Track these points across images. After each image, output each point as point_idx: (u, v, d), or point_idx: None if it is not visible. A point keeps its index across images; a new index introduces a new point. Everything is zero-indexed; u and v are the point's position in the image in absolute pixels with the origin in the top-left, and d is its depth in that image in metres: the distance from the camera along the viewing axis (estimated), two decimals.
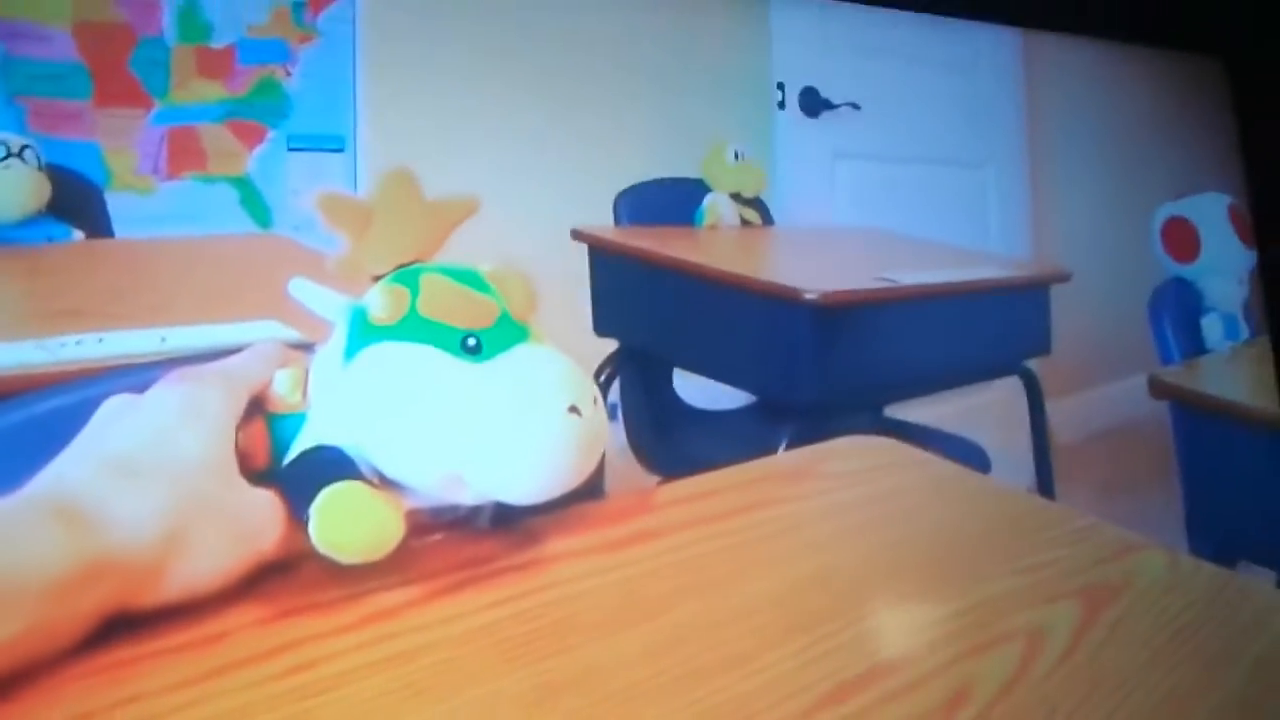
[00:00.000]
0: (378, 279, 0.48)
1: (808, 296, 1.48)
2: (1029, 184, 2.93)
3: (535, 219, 1.83)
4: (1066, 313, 2.01)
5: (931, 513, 0.62)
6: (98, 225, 1.56)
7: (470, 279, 0.48)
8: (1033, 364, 1.97)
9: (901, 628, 0.48)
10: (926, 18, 2.42)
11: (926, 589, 0.52)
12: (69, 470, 0.42)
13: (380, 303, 0.46)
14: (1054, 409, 2.09)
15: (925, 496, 0.65)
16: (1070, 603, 0.51)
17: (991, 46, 2.81)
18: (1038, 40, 2.82)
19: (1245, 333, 2.00)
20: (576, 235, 1.84)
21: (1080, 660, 0.46)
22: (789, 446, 1.24)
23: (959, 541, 0.58)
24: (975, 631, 0.48)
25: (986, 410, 2.16)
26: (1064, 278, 2.01)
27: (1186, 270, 2.03)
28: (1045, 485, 1.98)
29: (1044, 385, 1.98)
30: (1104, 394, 2.80)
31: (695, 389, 1.93)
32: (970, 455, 1.72)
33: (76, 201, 1.53)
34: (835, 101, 2.48)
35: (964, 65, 2.80)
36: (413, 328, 0.46)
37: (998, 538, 0.59)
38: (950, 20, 2.52)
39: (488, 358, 0.46)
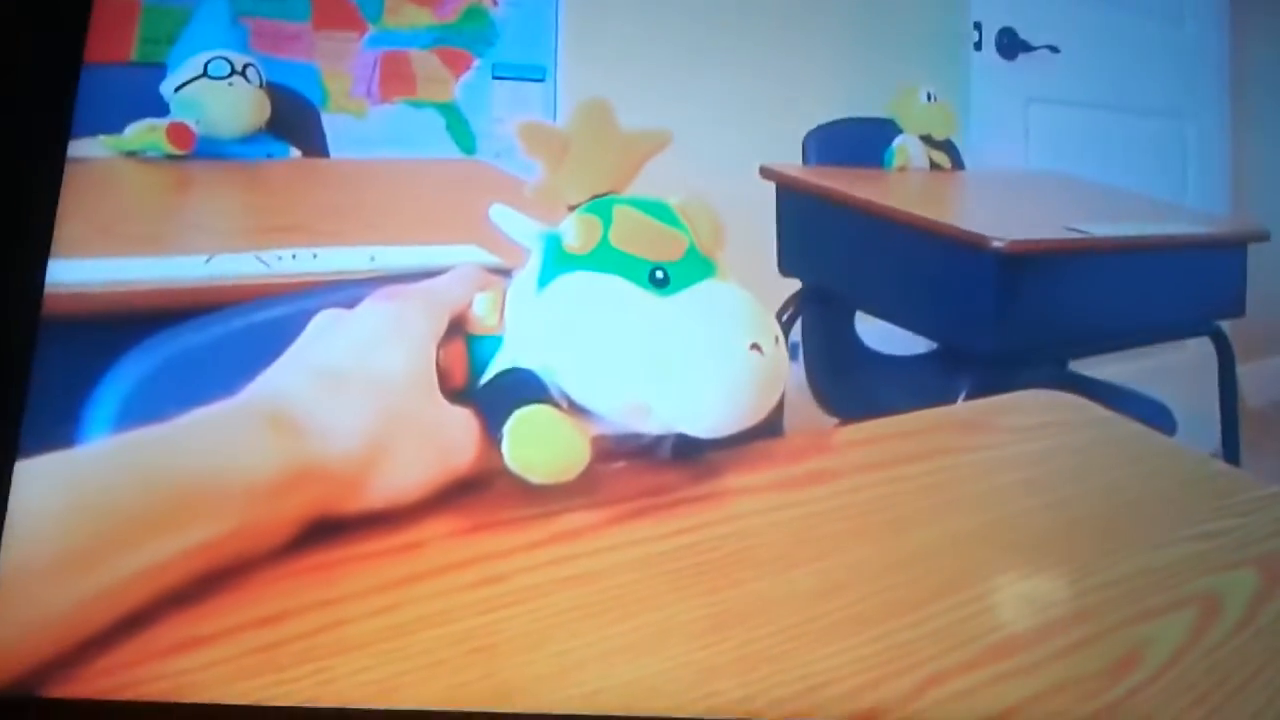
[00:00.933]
0: (573, 208, 0.48)
1: (994, 244, 1.43)
2: (1230, 138, 2.76)
3: (725, 155, 1.82)
4: (1263, 274, 1.90)
5: (1109, 472, 0.60)
6: (314, 144, 1.61)
7: (660, 212, 0.48)
8: (1225, 325, 1.86)
9: (1070, 587, 0.47)
10: None
11: (1099, 549, 0.50)
12: (281, 379, 0.44)
13: (574, 232, 0.46)
14: (1245, 372, 1.97)
15: (1103, 455, 0.62)
16: (1248, 571, 0.49)
17: None
18: None
19: None
20: (765, 173, 1.82)
21: (1256, 630, 0.44)
22: (968, 397, 1.21)
23: (1136, 503, 0.56)
24: (1147, 595, 0.46)
25: (1175, 370, 2.06)
26: (1263, 236, 1.89)
27: None
28: (1231, 450, 1.88)
29: (1236, 347, 1.88)
30: None
31: (877, 333, 1.90)
32: (1156, 415, 1.65)
33: (295, 121, 1.58)
34: (1033, 44, 2.37)
35: (1169, 11, 2.63)
36: (604, 258, 0.46)
37: (1176, 501, 0.57)
38: None
39: (675, 291, 0.46)
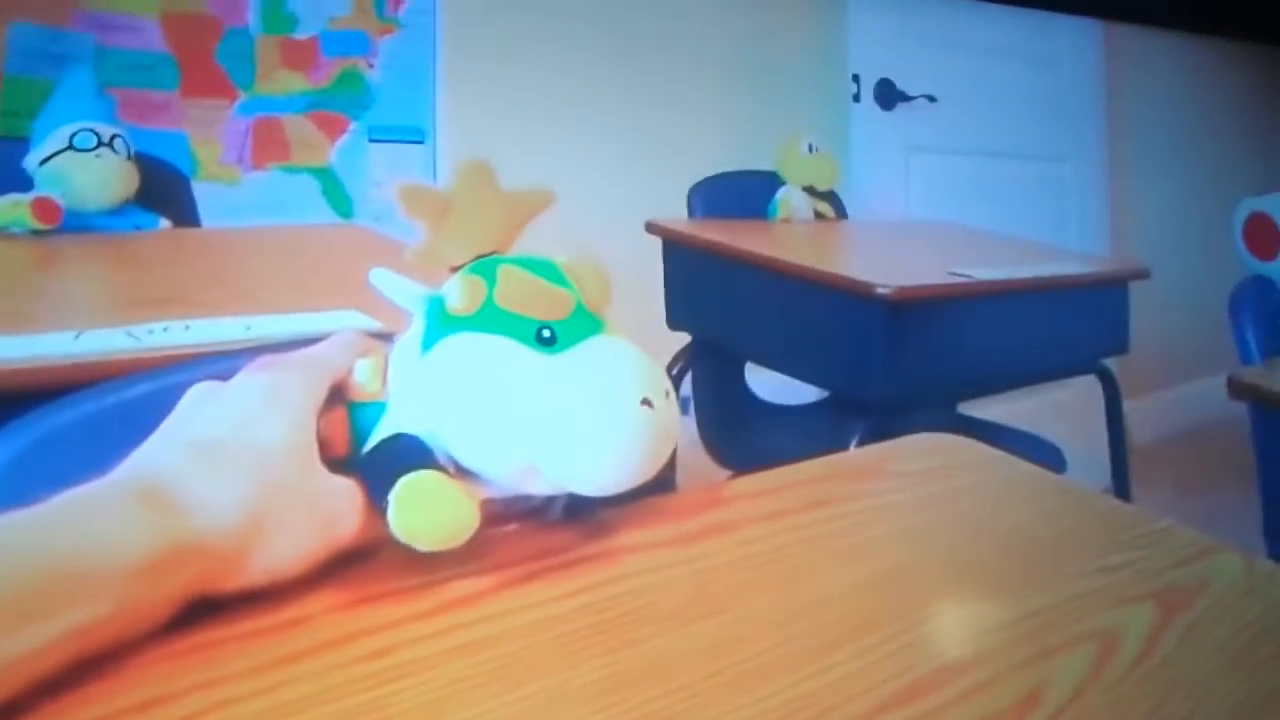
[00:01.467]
0: (456, 269, 0.49)
1: (880, 291, 1.47)
2: (1108, 179, 2.87)
3: (610, 211, 1.84)
4: (1145, 311, 1.98)
5: (1003, 512, 0.61)
6: (184, 214, 1.59)
7: (546, 270, 0.48)
8: (1110, 362, 1.93)
9: (970, 628, 0.48)
10: (1005, 10, 2.39)
11: (997, 589, 0.51)
12: (155, 455, 0.43)
13: (458, 293, 0.46)
14: (1131, 408, 2.05)
15: (997, 496, 0.64)
16: (1145, 605, 0.50)
17: (1072, 39, 2.76)
18: (1120, 33, 2.76)
19: None
20: (650, 228, 1.84)
21: (1155, 664, 0.45)
22: (860, 443, 1.23)
23: (1031, 542, 0.57)
24: (1047, 633, 0.47)
25: (1062, 409, 2.13)
26: (1143, 274, 1.96)
27: (1268, 268, 1.97)
28: (1121, 486, 1.94)
29: (1121, 384, 1.95)
30: (1182, 394, 2.74)
31: (767, 383, 1.92)
32: (1045, 454, 1.69)
33: (164, 190, 1.56)
34: (911, 94, 2.45)
35: (1043, 59, 2.75)
36: (489, 318, 0.46)
37: (1071, 539, 0.58)
38: (1030, 12, 2.48)
39: (563, 349, 0.46)
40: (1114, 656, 0.45)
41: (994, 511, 0.61)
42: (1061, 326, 1.81)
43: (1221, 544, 0.58)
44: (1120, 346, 1.91)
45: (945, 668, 0.43)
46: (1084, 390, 1.99)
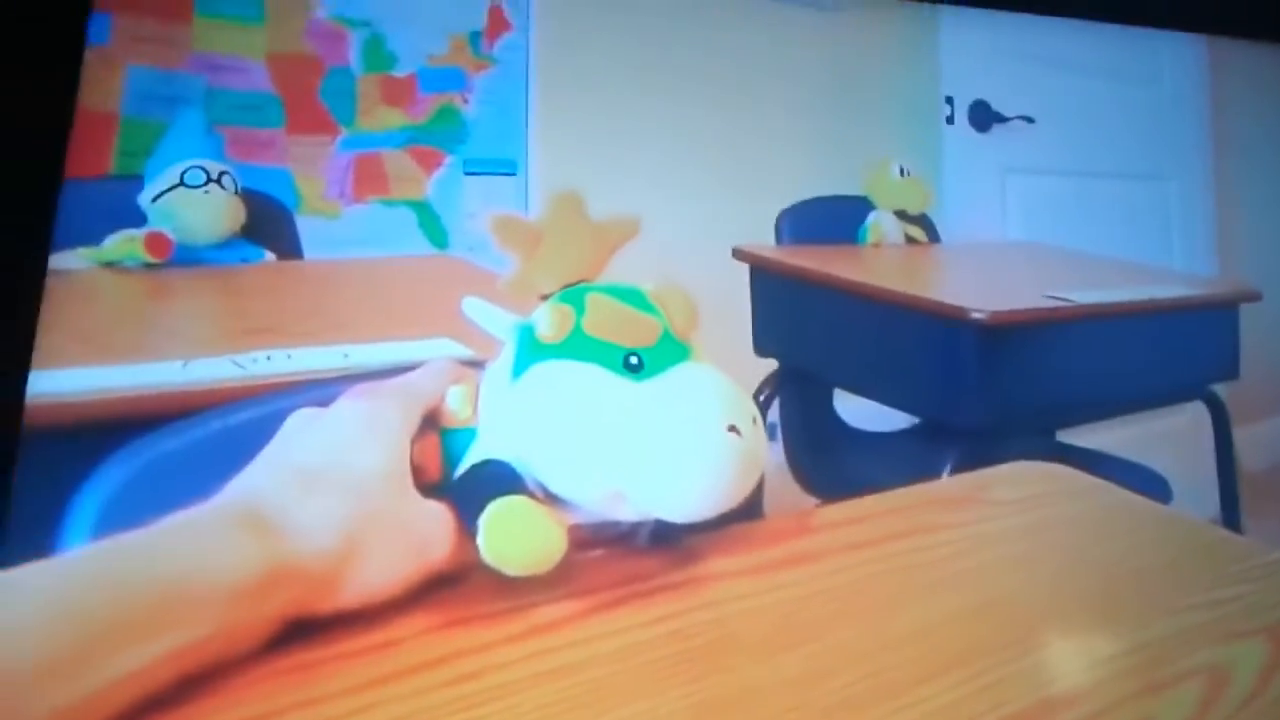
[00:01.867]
0: (545, 298, 0.49)
1: (974, 315, 1.44)
2: (1214, 198, 2.79)
3: (698, 238, 1.84)
4: (1256, 334, 1.91)
5: (1104, 543, 0.60)
6: (288, 247, 1.63)
7: (634, 298, 0.48)
8: (1219, 388, 1.87)
9: (1069, 662, 0.47)
10: (1104, 26, 2.34)
11: (1097, 622, 0.50)
12: (257, 480, 0.44)
13: (547, 321, 0.47)
14: (1241, 436, 1.98)
15: (1098, 525, 0.62)
16: (1256, 641, 0.48)
17: (1173, 55, 2.69)
18: (1224, 47, 2.69)
19: None
20: (738, 254, 1.84)
21: (1266, 702, 0.44)
22: (954, 471, 1.20)
23: (1134, 573, 0.56)
24: (1151, 668, 0.46)
25: (1168, 437, 2.06)
26: (1254, 297, 1.90)
27: None
28: (1231, 517, 1.88)
29: (1231, 411, 1.89)
30: None
31: (857, 410, 1.90)
32: (1150, 484, 1.65)
33: (269, 224, 1.60)
34: (1007, 115, 2.42)
35: (1144, 75, 2.69)
36: (578, 346, 0.46)
37: (1177, 570, 0.57)
38: (1129, 28, 2.42)
39: (650, 376, 0.46)
40: (1224, 692, 0.44)
41: (1096, 541, 0.60)
42: (1167, 351, 1.76)
43: None
44: (1230, 371, 1.85)
45: (1045, 702, 0.43)
46: (1192, 417, 1.93)
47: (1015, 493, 0.65)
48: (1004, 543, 0.58)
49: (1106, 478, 0.68)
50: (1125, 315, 1.67)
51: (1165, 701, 0.43)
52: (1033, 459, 0.70)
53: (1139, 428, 2.02)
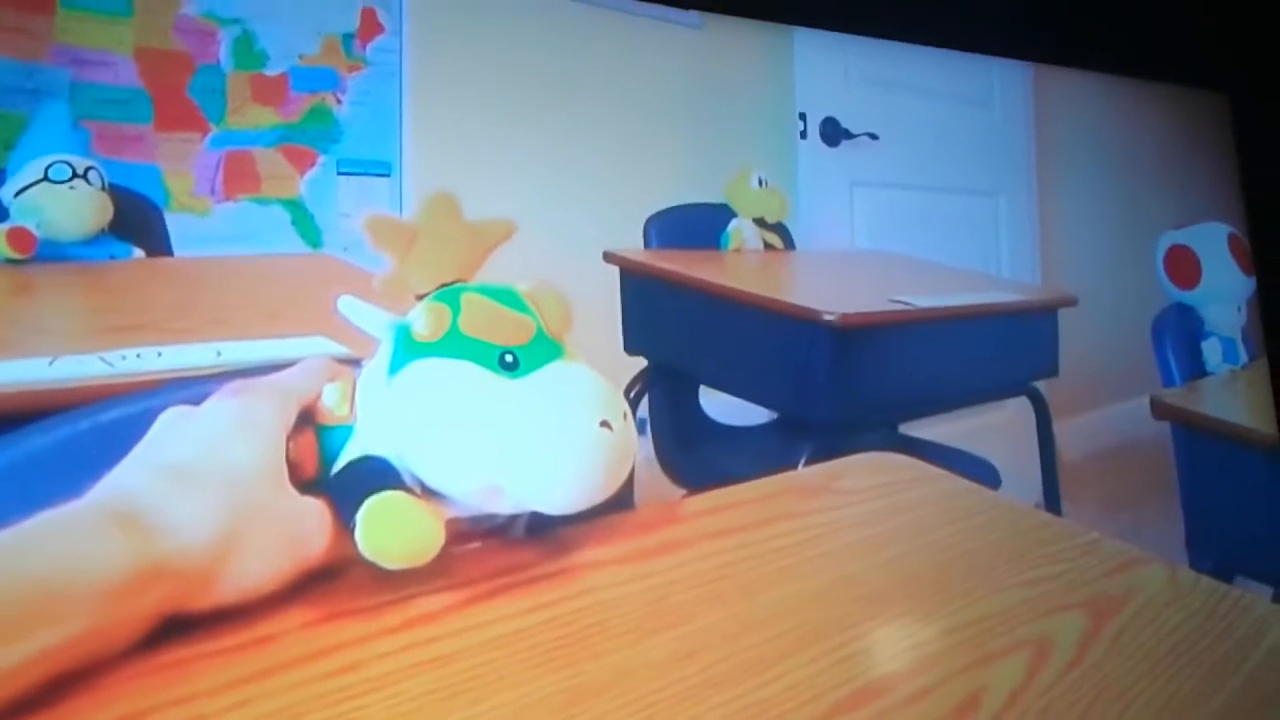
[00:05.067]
0: (421, 298, 0.48)
1: (826, 318, 1.48)
2: (1038, 212, 2.92)
3: (570, 241, 1.84)
4: (1073, 336, 2.00)
5: (942, 527, 0.62)
6: (157, 244, 1.57)
7: (508, 298, 0.48)
8: (1041, 385, 1.96)
9: (912, 637, 0.48)
10: (943, 52, 2.42)
11: (937, 600, 0.52)
12: (128, 478, 0.42)
13: (423, 320, 0.46)
14: (1061, 428, 2.07)
15: (936, 511, 0.65)
16: (1075, 614, 0.51)
17: (1004, 80, 2.80)
18: (1048, 74, 2.81)
19: (1244, 357, 1.99)
20: (608, 257, 1.84)
21: (1085, 670, 0.46)
22: (808, 462, 1.23)
23: (968, 554, 0.58)
24: (984, 641, 0.47)
25: (996, 429, 2.15)
26: (1071, 302, 1.99)
27: (1188, 296, 2.01)
28: (1052, 501, 1.96)
29: (1051, 405, 1.97)
30: (1108, 414, 2.78)
31: (721, 405, 1.93)
32: (981, 472, 1.71)
33: (137, 221, 1.54)
34: (854, 131, 2.48)
35: (977, 98, 2.79)
36: (453, 344, 0.46)
37: (1005, 551, 0.59)
38: (965, 55, 2.51)
39: (524, 374, 0.46)
40: (1047, 662, 0.46)
41: (934, 526, 0.62)
42: (996, 351, 1.83)
43: (1147, 555, 0.59)
44: (1050, 370, 1.93)
45: (889, 675, 0.44)
46: (1017, 411, 2.01)
47: (863, 482, 0.67)
48: (853, 529, 0.60)
49: (943, 466, 0.70)
50: (960, 318, 1.73)
51: (995, 672, 0.45)
52: (878, 450, 0.72)
53: (971, 421, 2.10)
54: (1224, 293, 2.00)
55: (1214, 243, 2.03)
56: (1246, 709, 0.45)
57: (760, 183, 2.10)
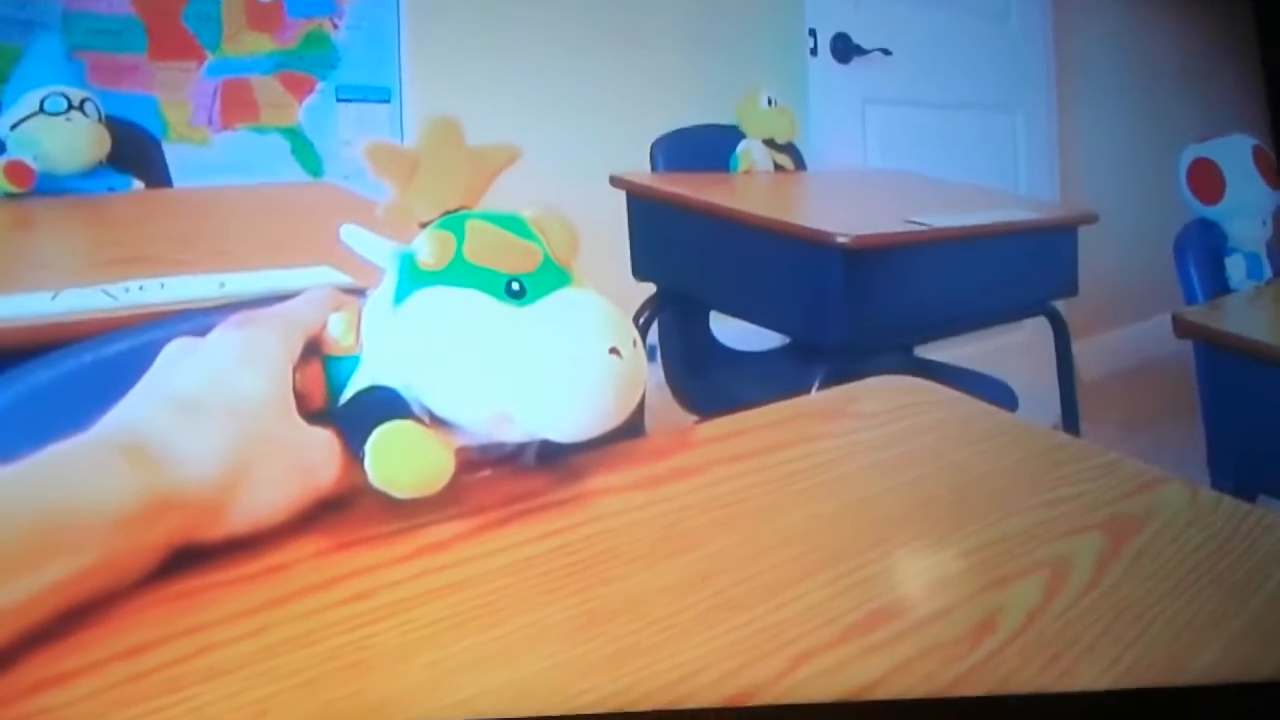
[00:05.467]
0: (425, 225, 0.48)
1: (839, 240, 1.47)
2: (1057, 127, 2.88)
3: (575, 166, 1.83)
4: (1093, 254, 1.99)
5: (959, 449, 0.62)
6: (156, 175, 1.57)
7: (514, 224, 0.48)
8: (1059, 304, 1.95)
9: (928, 560, 0.48)
10: None
11: (953, 522, 0.52)
12: (135, 410, 0.42)
13: (427, 248, 0.46)
14: (1080, 348, 2.06)
15: (953, 434, 0.64)
16: (1094, 535, 0.51)
17: None
18: None
19: (1269, 273, 1.97)
20: (615, 181, 1.83)
21: (1103, 590, 0.46)
22: (821, 386, 1.23)
23: (985, 477, 0.58)
24: (1001, 563, 0.47)
25: (1014, 349, 2.14)
26: (1090, 219, 1.98)
27: (1211, 211, 1.99)
28: (1071, 422, 1.96)
29: (1071, 325, 1.96)
30: (1129, 333, 2.77)
31: (732, 330, 1.93)
32: (998, 393, 1.71)
33: (135, 152, 1.54)
34: (866, 47, 2.44)
35: (994, 10, 2.74)
36: (459, 272, 0.46)
37: (1023, 473, 0.59)
38: None
39: (531, 301, 0.46)
40: (1065, 584, 0.46)
41: (950, 449, 0.62)
42: (1013, 270, 1.82)
43: (1167, 475, 0.59)
44: (1069, 289, 1.92)
45: (904, 598, 0.44)
46: (1035, 331, 2.01)
47: (878, 405, 0.67)
48: (868, 452, 0.60)
49: (960, 389, 0.70)
50: (977, 238, 1.72)
51: (1012, 594, 0.45)
52: (893, 374, 0.72)
53: (988, 342, 2.10)
54: (1249, 207, 1.97)
55: (1238, 156, 2.00)
56: (1269, 628, 0.46)
57: (770, 102, 2.07)
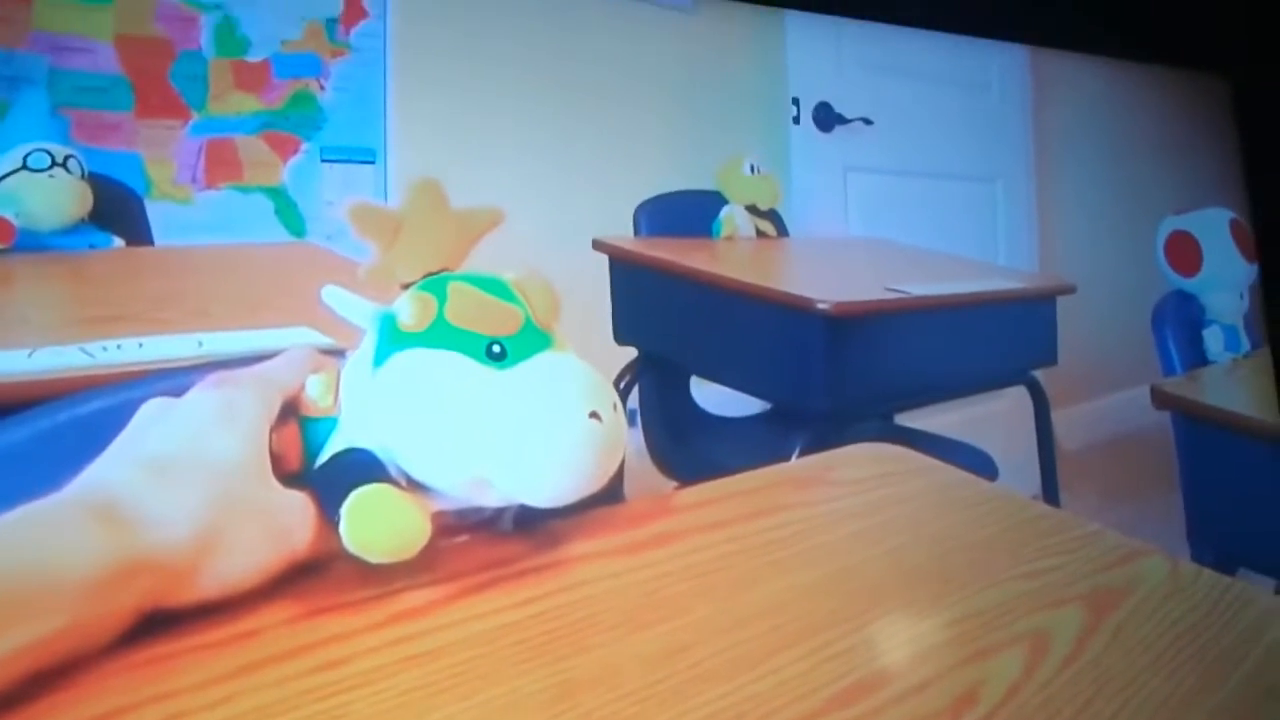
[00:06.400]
0: (406, 287, 0.48)
1: (820, 306, 1.48)
2: (1036, 198, 2.92)
3: (558, 230, 1.84)
4: (1072, 324, 2.01)
5: (938, 519, 0.62)
6: (138, 233, 1.57)
7: (495, 287, 0.48)
8: (1039, 374, 1.96)
9: (908, 631, 0.48)
10: (938, 35, 2.42)
11: (933, 593, 0.52)
12: (108, 471, 0.42)
13: (409, 310, 0.46)
14: (1059, 418, 2.07)
15: (932, 503, 0.65)
16: (1074, 607, 0.51)
17: (1001, 64, 2.80)
18: (1046, 58, 2.81)
19: (1246, 345, 1.99)
20: (598, 245, 1.84)
21: (1084, 664, 0.46)
22: (802, 453, 1.23)
23: (965, 547, 0.58)
24: (981, 635, 0.47)
25: (994, 419, 2.15)
26: (1069, 290, 2.00)
27: (1189, 283, 2.01)
28: (1050, 492, 1.97)
29: (1050, 395, 1.98)
30: (1108, 404, 2.78)
31: (712, 396, 1.93)
32: (977, 462, 1.72)
33: (117, 210, 1.54)
34: (848, 116, 2.48)
35: (974, 82, 2.79)
36: (440, 334, 0.46)
37: (1003, 543, 0.59)
38: (961, 38, 2.51)
39: (512, 364, 0.46)
40: (1045, 657, 0.46)
41: (930, 518, 0.62)
42: (993, 340, 1.83)
43: (1147, 547, 0.59)
44: (1049, 358, 1.93)
45: (885, 670, 0.44)
46: (1014, 401, 2.02)
47: (858, 473, 0.67)
48: (848, 520, 0.60)
49: (939, 457, 0.70)
50: (957, 307, 1.74)
51: (993, 666, 0.45)
52: (873, 441, 0.72)
53: (968, 411, 2.10)
54: (1226, 279, 2.00)
55: (1216, 228, 2.03)
56: (1249, 704, 0.46)
57: (752, 169, 2.09)
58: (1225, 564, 1.27)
